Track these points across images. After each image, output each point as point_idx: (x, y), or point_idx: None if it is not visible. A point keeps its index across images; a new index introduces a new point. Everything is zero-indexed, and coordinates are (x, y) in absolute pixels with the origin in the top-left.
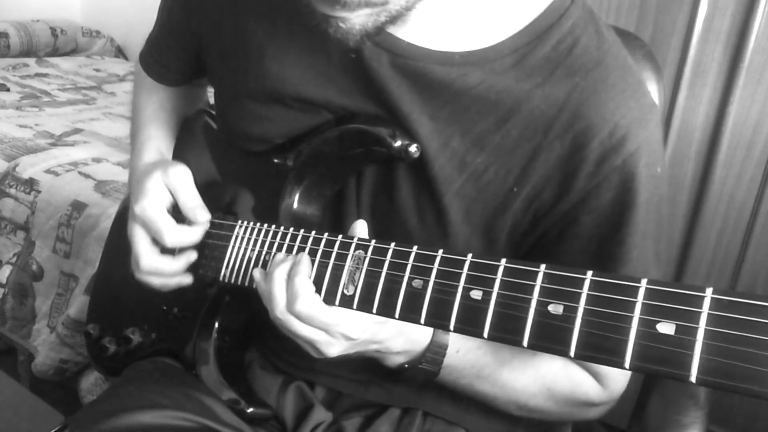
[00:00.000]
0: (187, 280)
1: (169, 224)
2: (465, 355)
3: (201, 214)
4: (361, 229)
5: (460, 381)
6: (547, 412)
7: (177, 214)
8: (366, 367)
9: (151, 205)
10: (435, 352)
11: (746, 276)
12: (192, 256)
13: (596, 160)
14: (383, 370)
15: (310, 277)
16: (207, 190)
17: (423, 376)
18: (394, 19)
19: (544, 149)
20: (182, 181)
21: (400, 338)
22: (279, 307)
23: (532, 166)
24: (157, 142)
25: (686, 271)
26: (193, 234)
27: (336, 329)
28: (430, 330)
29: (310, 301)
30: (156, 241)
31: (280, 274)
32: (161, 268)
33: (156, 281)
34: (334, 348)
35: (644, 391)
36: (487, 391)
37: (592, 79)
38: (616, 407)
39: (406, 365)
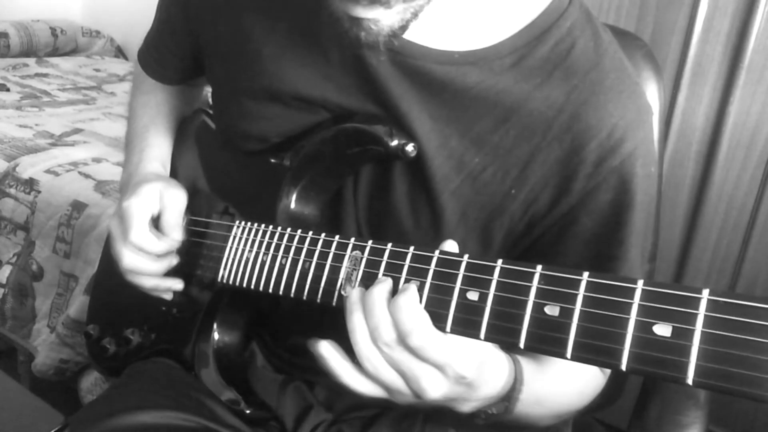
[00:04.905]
0: (178, 286)
1: (143, 225)
2: (526, 393)
3: (176, 232)
4: (450, 247)
5: (516, 415)
6: (569, 414)
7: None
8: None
9: (137, 205)
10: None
11: (746, 276)
12: (173, 260)
13: (594, 161)
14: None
15: (421, 304)
16: (204, 190)
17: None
18: (417, 15)
19: (542, 150)
20: (175, 203)
21: (491, 380)
22: (384, 339)
23: (530, 167)
24: (157, 151)
25: (686, 271)
26: (156, 245)
27: (452, 367)
28: (504, 372)
29: (428, 332)
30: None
31: (380, 301)
32: (141, 268)
33: (147, 283)
34: (440, 388)
35: (644, 391)
36: (537, 414)
37: (590, 81)
38: (616, 407)
39: (483, 415)
